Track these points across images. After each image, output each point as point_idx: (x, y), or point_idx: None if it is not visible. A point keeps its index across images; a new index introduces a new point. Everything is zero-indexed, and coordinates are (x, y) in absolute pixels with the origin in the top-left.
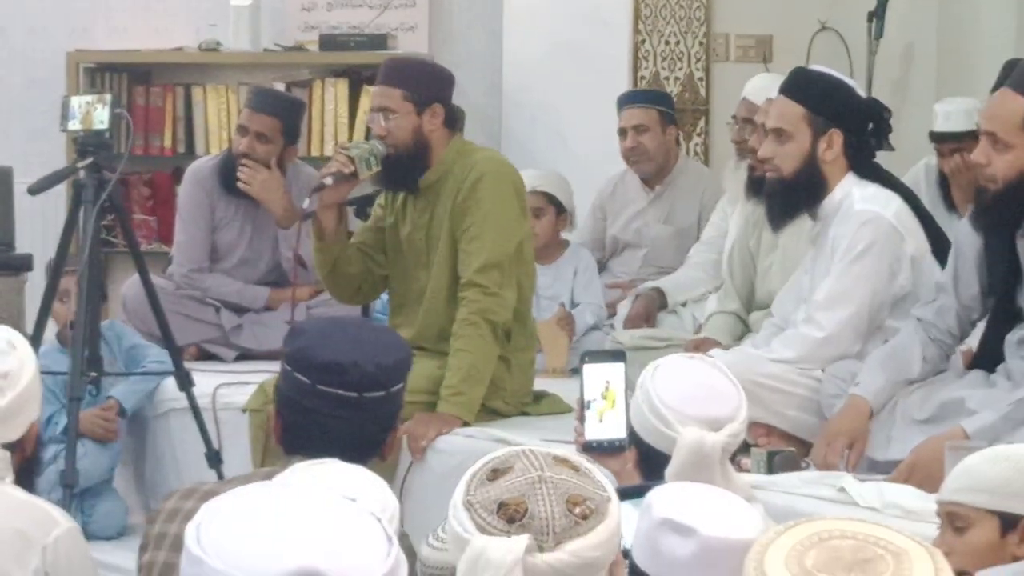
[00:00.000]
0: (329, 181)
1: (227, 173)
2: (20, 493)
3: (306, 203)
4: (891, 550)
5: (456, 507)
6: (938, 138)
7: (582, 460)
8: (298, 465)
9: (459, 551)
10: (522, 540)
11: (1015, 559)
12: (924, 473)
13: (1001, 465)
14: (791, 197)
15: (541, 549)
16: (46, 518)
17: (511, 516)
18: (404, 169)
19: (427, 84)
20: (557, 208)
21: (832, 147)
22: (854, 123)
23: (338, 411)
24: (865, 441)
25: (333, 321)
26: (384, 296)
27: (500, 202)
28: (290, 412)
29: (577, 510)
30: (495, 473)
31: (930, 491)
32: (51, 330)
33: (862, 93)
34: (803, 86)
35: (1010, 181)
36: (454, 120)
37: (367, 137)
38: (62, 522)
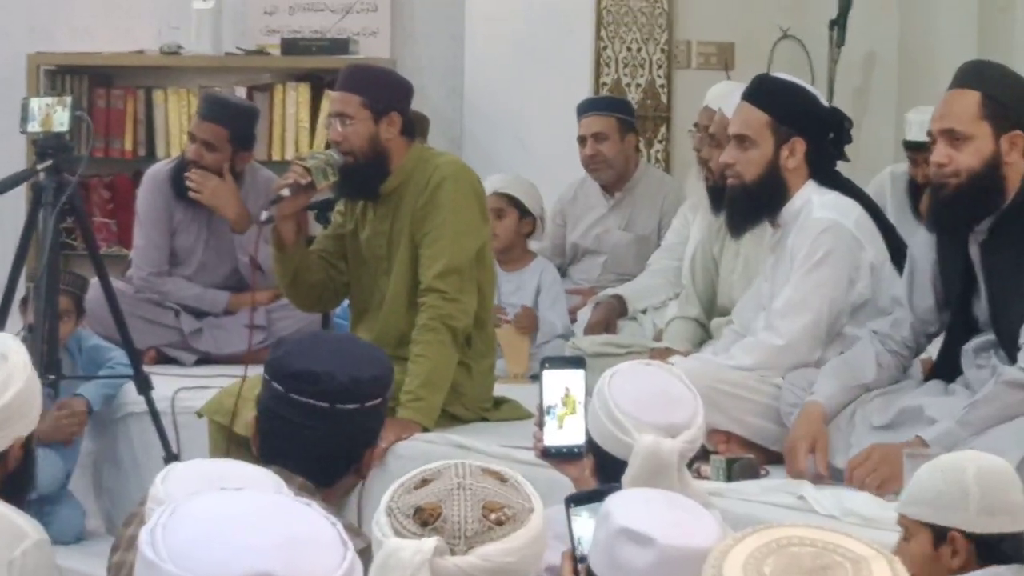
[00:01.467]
0: (286, 193)
1: (180, 179)
2: None
3: (263, 215)
4: (849, 557)
5: (379, 513)
6: (913, 147)
7: (514, 474)
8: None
9: (376, 552)
10: (431, 542)
11: (951, 573)
12: (881, 460)
13: (935, 477)
14: (752, 204)
15: (452, 552)
16: (14, 530)
17: (425, 520)
18: (362, 177)
19: (385, 92)
20: (520, 211)
21: (794, 155)
22: (817, 132)
23: (310, 421)
24: (826, 441)
25: (318, 334)
26: (345, 302)
27: (460, 207)
28: (266, 420)
29: (492, 516)
30: (423, 482)
31: (882, 488)
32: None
33: (824, 102)
34: (768, 93)
35: (974, 171)
36: (412, 128)
37: (327, 144)
38: (31, 534)
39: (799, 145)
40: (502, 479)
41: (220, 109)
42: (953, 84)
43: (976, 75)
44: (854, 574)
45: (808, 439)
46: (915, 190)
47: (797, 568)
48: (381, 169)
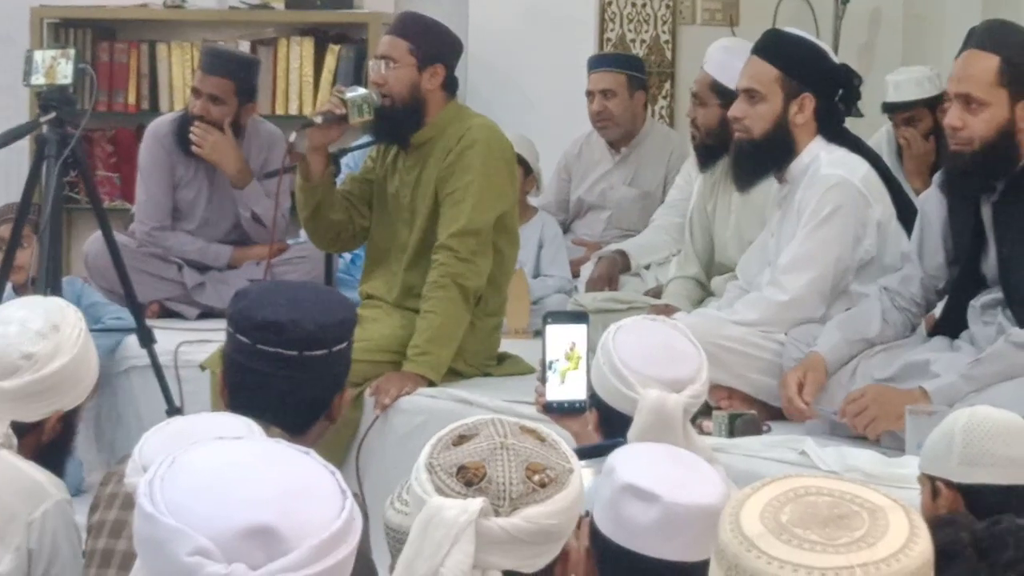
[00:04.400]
0: (319, 120)
1: (184, 134)
2: (15, 459)
3: (292, 136)
4: (867, 507)
5: (419, 469)
6: (888, 108)
7: (550, 432)
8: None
9: (418, 512)
10: (477, 503)
11: None
12: (873, 399)
13: (935, 428)
14: (760, 159)
15: (497, 513)
16: (36, 490)
17: (469, 479)
18: (396, 123)
19: (434, 43)
20: (525, 169)
21: (803, 111)
22: (826, 88)
23: (280, 370)
24: (817, 377)
25: (276, 284)
26: (347, 256)
27: (487, 171)
28: (234, 373)
29: (536, 478)
30: (461, 439)
31: (870, 428)
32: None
33: (835, 58)
34: (779, 48)
35: (988, 140)
36: (455, 85)
37: (366, 86)
38: (53, 493)
39: (808, 101)
40: (540, 438)
41: (225, 62)
42: (972, 43)
43: (998, 38)
44: (871, 523)
45: (800, 371)
46: (900, 151)
47: (814, 516)
48: (416, 118)
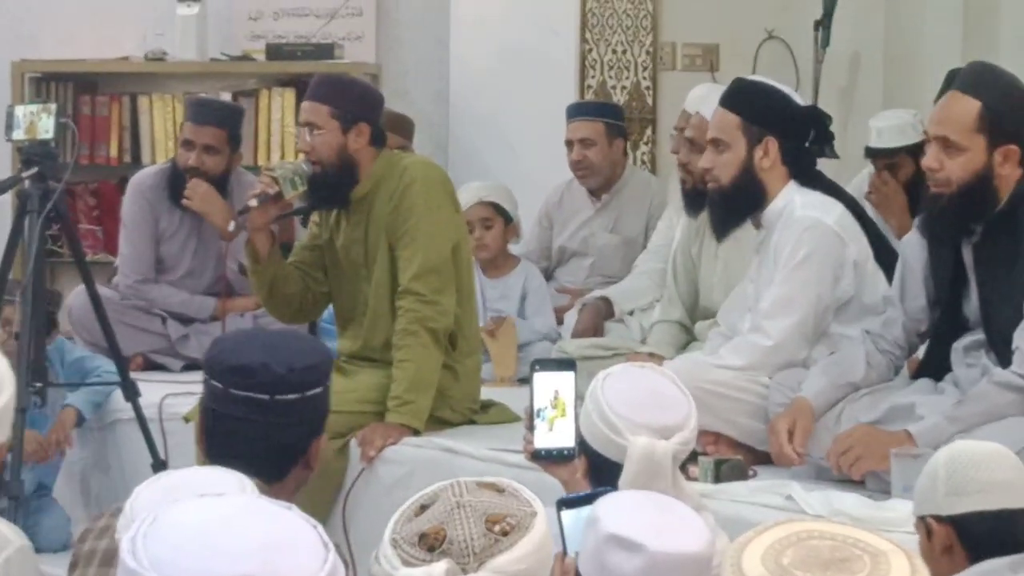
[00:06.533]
0: (254, 203)
1: (173, 186)
2: None
3: (231, 226)
4: (868, 551)
5: (384, 546)
6: (871, 154)
7: (510, 482)
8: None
9: None
10: (441, 566)
11: (951, 565)
12: (859, 439)
13: (921, 473)
14: (730, 206)
15: (465, 571)
16: None
17: (431, 545)
18: (331, 187)
19: (354, 102)
20: (505, 218)
21: (768, 155)
22: (790, 130)
23: (252, 415)
24: (806, 423)
25: (253, 330)
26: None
27: (432, 206)
28: (209, 419)
29: (497, 528)
30: (422, 509)
31: (854, 468)
32: None
33: (800, 100)
34: (738, 95)
35: (964, 183)
36: (382, 138)
37: (295, 154)
38: (14, 540)
39: (772, 145)
40: (499, 489)
41: (215, 111)
42: (956, 84)
43: (981, 82)
44: (872, 567)
45: (789, 418)
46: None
47: (816, 560)
48: (349, 178)
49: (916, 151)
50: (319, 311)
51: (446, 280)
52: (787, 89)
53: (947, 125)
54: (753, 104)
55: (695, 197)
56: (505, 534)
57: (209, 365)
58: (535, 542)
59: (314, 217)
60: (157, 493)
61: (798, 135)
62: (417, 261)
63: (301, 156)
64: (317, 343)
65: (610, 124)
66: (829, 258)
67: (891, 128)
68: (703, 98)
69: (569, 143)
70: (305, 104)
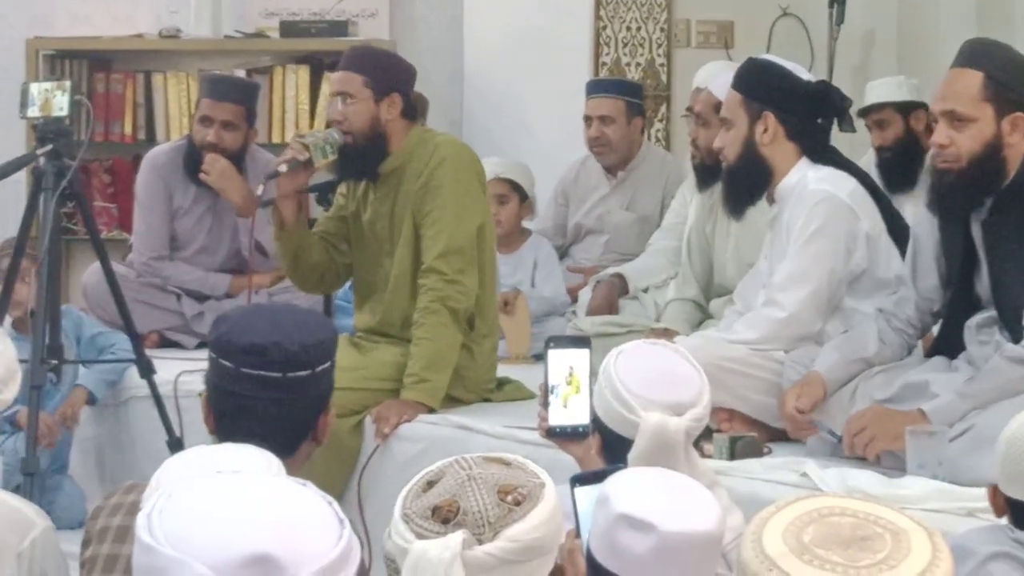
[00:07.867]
0: (283, 169)
1: (190, 163)
2: None
3: (259, 189)
4: (890, 529)
5: (395, 522)
6: (862, 112)
7: (515, 456)
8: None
9: (403, 560)
10: (457, 536)
11: None
12: (874, 419)
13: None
14: (740, 183)
15: (480, 541)
16: (21, 520)
17: (445, 517)
18: (361, 158)
19: (387, 73)
20: (520, 196)
21: (768, 129)
22: (789, 104)
23: (264, 393)
24: (817, 390)
25: (256, 307)
26: (347, 284)
27: (459, 186)
28: (219, 399)
29: (509, 498)
30: (429, 485)
31: (869, 447)
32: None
33: (809, 77)
34: (741, 75)
35: (975, 155)
36: (413, 111)
37: (327, 126)
38: (38, 522)
39: (771, 119)
40: (506, 463)
41: (233, 87)
42: (956, 63)
43: (980, 54)
44: (893, 545)
45: (798, 387)
46: (883, 164)
47: (836, 537)
48: (380, 150)
49: (906, 110)
50: (341, 282)
51: (469, 261)
52: (793, 66)
53: (953, 99)
54: (751, 81)
55: (704, 171)
56: (518, 504)
57: (217, 344)
58: (547, 511)
59: (341, 188)
60: (186, 466)
61: (800, 110)
62: (442, 240)
63: (332, 126)
64: (321, 317)
65: (630, 103)
66: (841, 231)
67: (883, 84)
68: (711, 75)
69: (588, 119)
70: (338, 74)
